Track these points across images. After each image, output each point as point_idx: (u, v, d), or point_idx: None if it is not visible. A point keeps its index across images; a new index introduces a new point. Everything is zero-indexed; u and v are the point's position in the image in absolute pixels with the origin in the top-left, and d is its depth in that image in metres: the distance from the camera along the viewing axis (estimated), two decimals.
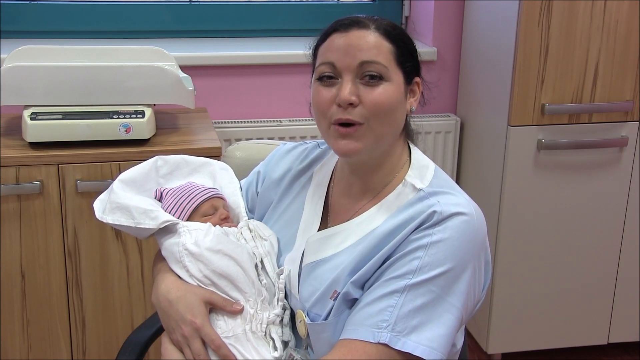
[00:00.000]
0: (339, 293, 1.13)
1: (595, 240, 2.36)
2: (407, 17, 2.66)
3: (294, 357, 1.20)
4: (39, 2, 2.42)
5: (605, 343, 2.50)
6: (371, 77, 1.12)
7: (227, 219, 1.32)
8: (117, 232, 1.96)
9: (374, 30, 1.14)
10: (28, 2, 2.41)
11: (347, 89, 1.12)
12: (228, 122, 2.45)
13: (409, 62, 1.17)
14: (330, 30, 1.16)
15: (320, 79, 1.16)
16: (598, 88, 2.20)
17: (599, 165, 2.28)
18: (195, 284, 1.21)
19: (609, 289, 2.42)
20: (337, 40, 1.14)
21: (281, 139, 2.40)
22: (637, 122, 2.27)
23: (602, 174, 2.29)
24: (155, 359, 1.85)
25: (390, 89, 1.13)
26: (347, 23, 1.15)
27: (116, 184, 1.33)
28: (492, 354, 2.47)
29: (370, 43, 1.13)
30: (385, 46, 1.14)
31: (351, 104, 1.12)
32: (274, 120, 2.47)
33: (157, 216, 1.25)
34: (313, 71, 1.20)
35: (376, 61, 1.12)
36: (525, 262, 2.34)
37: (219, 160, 1.49)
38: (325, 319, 1.14)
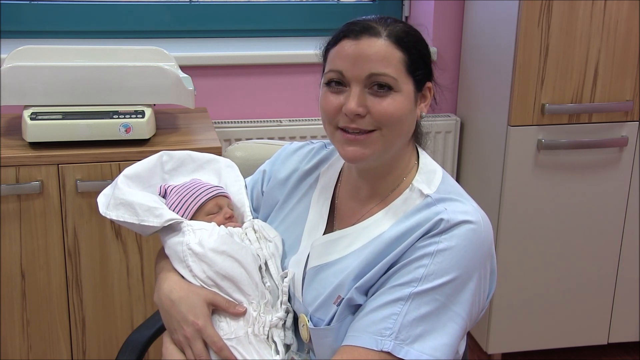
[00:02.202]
0: (343, 298, 1.12)
1: (595, 240, 2.36)
2: (407, 17, 2.66)
3: None
4: (39, 2, 2.41)
5: (605, 343, 2.50)
6: (380, 86, 1.10)
7: (231, 217, 1.31)
8: (117, 232, 1.96)
9: (385, 38, 1.10)
10: (28, 2, 2.41)
11: (354, 100, 1.10)
12: (228, 122, 2.45)
13: (420, 70, 1.14)
14: (341, 35, 1.13)
15: (329, 84, 1.14)
16: (598, 88, 2.19)
17: (599, 165, 2.28)
18: (198, 284, 1.20)
19: (609, 289, 2.42)
20: (347, 48, 1.11)
21: (281, 139, 2.40)
22: (637, 122, 2.27)
23: (602, 174, 2.29)
24: (155, 359, 1.85)
25: (399, 100, 1.11)
26: (358, 30, 1.11)
27: (120, 179, 1.31)
28: (492, 354, 2.47)
29: (379, 53, 1.10)
30: (396, 56, 1.10)
31: (358, 115, 1.10)
32: (274, 120, 2.46)
33: (161, 214, 1.24)
34: (323, 72, 1.17)
35: (385, 73, 1.09)
36: (525, 262, 2.34)
37: None
38: (328, 324, 1.13)
